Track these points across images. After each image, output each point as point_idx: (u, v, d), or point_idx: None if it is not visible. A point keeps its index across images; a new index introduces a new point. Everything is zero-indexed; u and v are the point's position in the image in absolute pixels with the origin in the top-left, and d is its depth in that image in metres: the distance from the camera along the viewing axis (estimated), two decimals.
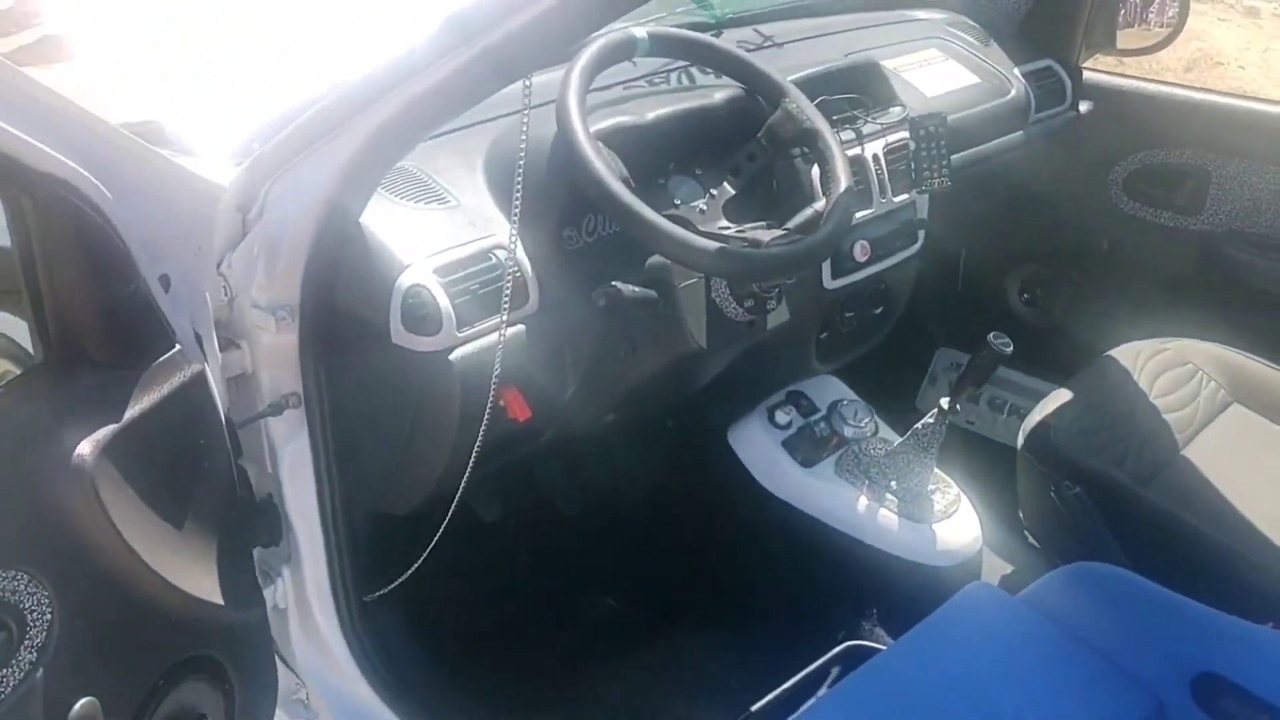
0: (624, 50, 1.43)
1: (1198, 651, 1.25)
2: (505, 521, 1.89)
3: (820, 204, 1.48)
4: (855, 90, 1.75)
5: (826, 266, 1.69)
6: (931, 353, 2.56)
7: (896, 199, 1.76)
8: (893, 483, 1.74)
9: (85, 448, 1.05)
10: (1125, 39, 2.29)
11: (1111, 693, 1.19)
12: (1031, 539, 1.86)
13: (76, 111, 1.08)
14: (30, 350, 1.19)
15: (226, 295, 1.33)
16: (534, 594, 1.90)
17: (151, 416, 1.14)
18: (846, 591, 1.78)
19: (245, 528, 1.43)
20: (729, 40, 1.82)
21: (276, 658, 1.58)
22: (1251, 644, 1.29)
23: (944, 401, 1.66)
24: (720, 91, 1.55)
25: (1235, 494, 1.65)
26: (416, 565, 1.47)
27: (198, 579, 1.22)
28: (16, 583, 1.00)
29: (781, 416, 1.84)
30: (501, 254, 1.32)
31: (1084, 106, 2.20)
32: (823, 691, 1.57)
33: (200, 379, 1.21)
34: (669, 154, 1.51)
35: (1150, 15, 2.73)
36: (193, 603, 1.20)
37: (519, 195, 1.18)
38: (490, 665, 1.76)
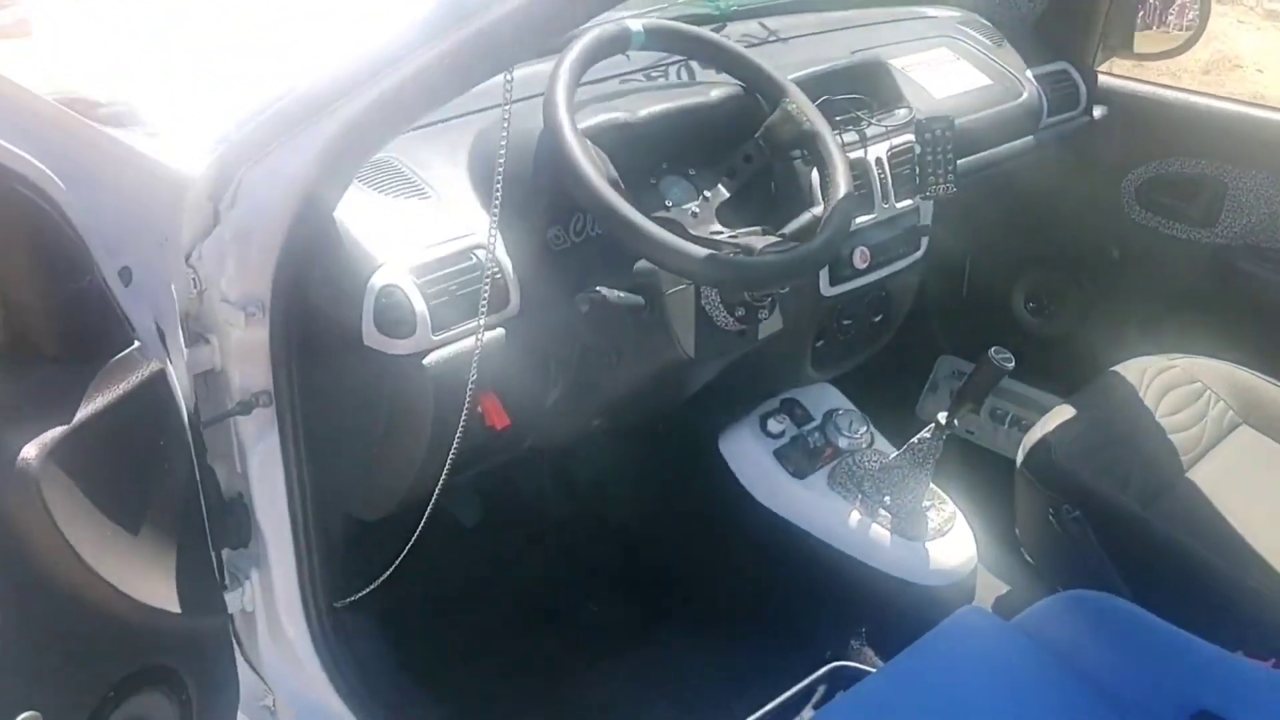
0: (618, 43, 1.37)
1: (1196, 688, 1.20)
2: (487, 525, 1.84)
3: (819, 209, 1.42)
4: (860, 90, 1.69)
5: (824, 273, 1.63)
6: (933, 360, 2.50)
7: (899, 204, 1.70)
8: (886, 498, 1.69)
9: (31, 450, 1.00)
10: (1143, 42, 2.22)
11: None
12: (1029, 558, 1.80)
13: (24, 96, 1.03)
14: None
15: (196, 288, 1.27)
16: (515, 600, 1.85)
17: (105, 416, 1.08)
18: (835, 607, 1.73)
19: (212, 529, 1.38)
20: (733, 34, 1.76)
21: (244, 663, 1.53)
22: (1252, 683, 1.25)
23: (941, 416, 1.61)
24: (718, 89, 1.48)
25: (1241, 521, 1.59)
26: (388, 573, 1.42)
27: (154, 586, 1.17)
28: None
29: (774, 425, 1.79)
30: (482, 254, 1.26)
31: (1098, 112, 2.13)
32: (808, 714, 1.52)
33: (160, 377, 1.16)
34: (662, 153, 1.44)
35: (1170, 18, 2.67)
36: (147, 611, 1.15)
37: (499, 193, 1.12)
38: (467, 674, 1.71)
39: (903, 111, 1.73)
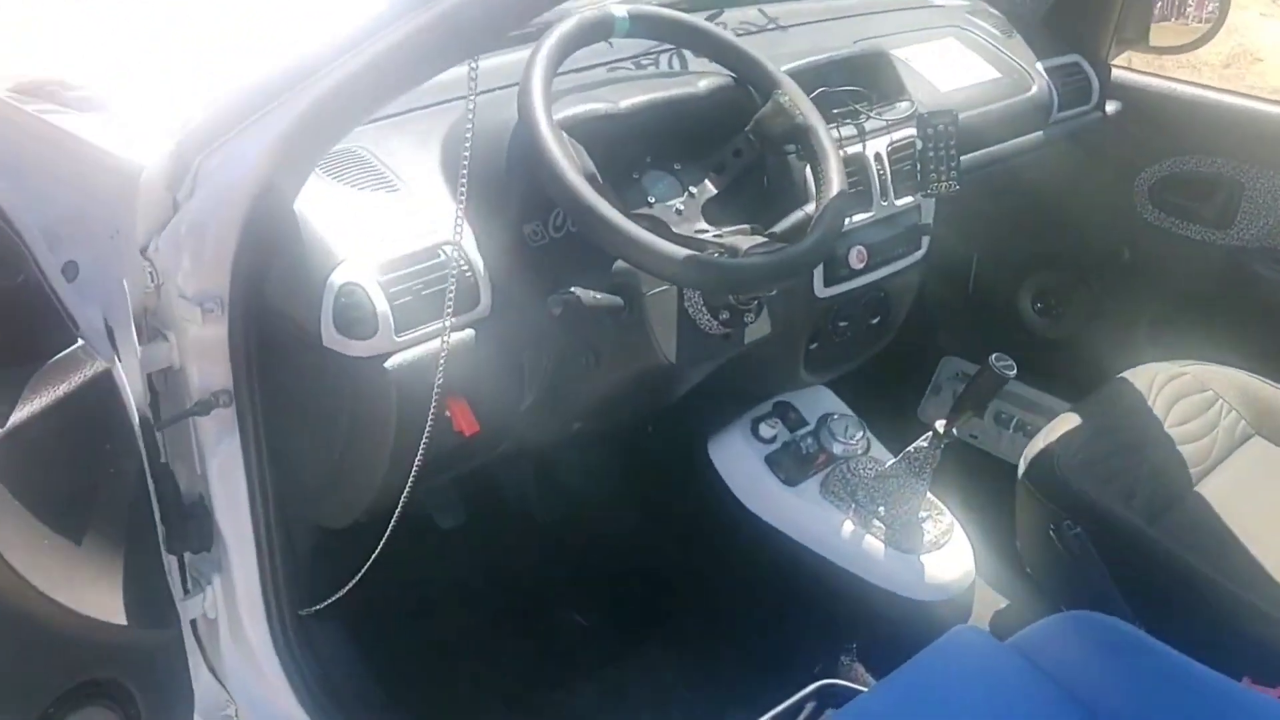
0: (600, 29, 1.30)
1: (1198, 718, 1.13)
2: (466, 530, 1.78)
3: (811, 207, 1.35)
4: (860, 82, 1.61)
5: (819, 273, 1.56)
6: (937, 361, 2.42)
7: (899, 202, 1.63)
8: (881, 508, 1.62)
9: None
10: (1160, 35, 2.14)
11: None
12: (1031, 573, 1.73)
13: None
14: None
15: (154, 282, 1.21)
16: (495, 606, 1.79)
17: (44, 419, 1.03)
18: (826, 621, 1.66)
19: (171, 533, 1.33)
20: (731, 21, 1.69)
21: (206, 671, 1.48)
22: (1256, 714, 1.18)
23: (939, 425, 1.53)
24: (707, 79, 1.41)
25: (1251, 539, 1.51)
26: (354, 582, 1.35)
27: (97, 597, 1.11)
28: None
29: (766, 430, 1.72)
30: (451, 250, 1.20)
31: (1111, 107, 2.05)
32: None
33: (105, 377, 1.10)
34: (645, 147, 1.37)
35: (1189, 9, 2.57)
36: (88, 623, 1.09)
37: (464, 187, 1.05)
38: (441, 685, 1.65)
39: (904, 105, 1.65)
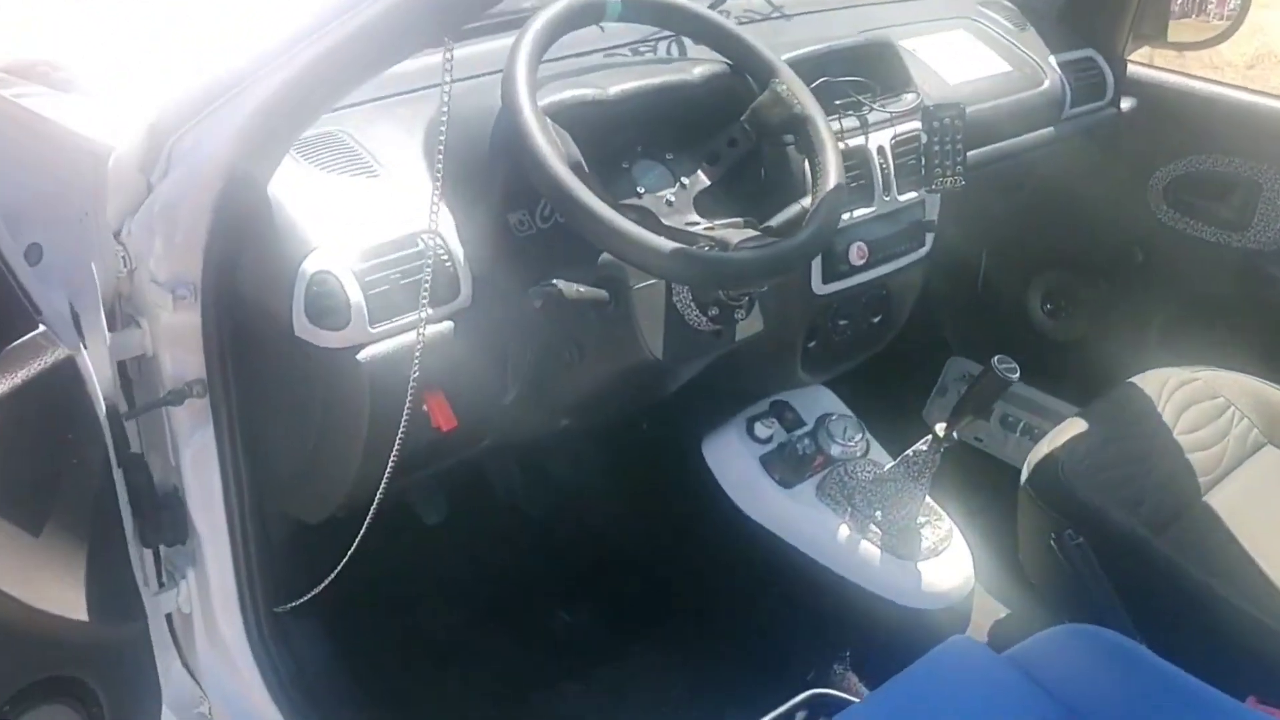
0: (590, 13, 1.25)
1: None
2: (451, 524, 1.74)
3: (809, 201, 1.30)
4: (864, 73, 1.56)
5: (817, 270, 1.51)
6: (943, 361, 2.37)
7: (902, 197, 1.58)
8: (878, 512, 1.57)
9: None
10: (1178, 31, 2.08)
11: None
12: (1033, 582, 1.68)
13: None
14: None
15: (126, 266, 1.18)
16: (479, 605, 1.75)
17: (1, 408, 0.98)
18: (819, 628, 1.62)
19: (144, 525, 1.29)
20: (734, 8, 1.64)
21: (181, 666, 1.44)
22: None
23: (939, 428, 1.49)
24: (701, 66, 1.36)
25: (1260, 552, 1.46)
26: (329, 579, 1.31)
27: (59, 593, 1.08)
28: None
29: (762, 429, 1.67)
30: (428, 238, 1.15)
31: (1126, 104, 1.99)
32: None
33: (68, 364, 1.06)
34: (636, 135, 1.33)
35: (1210, 6, 2.51)
36: (49, 620, 1.06)
37: (440, 172, 1.01)
38: (423, 684, 1.61)
39: (910, 97, 1.60)
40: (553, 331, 1.25)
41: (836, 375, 1.76)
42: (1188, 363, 1.77)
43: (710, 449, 1.69)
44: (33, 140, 1.06)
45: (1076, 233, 2.14)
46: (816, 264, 1.50)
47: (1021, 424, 2.25)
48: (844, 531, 1.57)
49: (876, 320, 1.69)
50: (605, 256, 1.23)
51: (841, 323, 1.63)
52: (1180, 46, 2.08)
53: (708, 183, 1.34)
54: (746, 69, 1.35)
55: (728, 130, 1.33)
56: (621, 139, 1.31)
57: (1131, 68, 2.02)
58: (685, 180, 1.33)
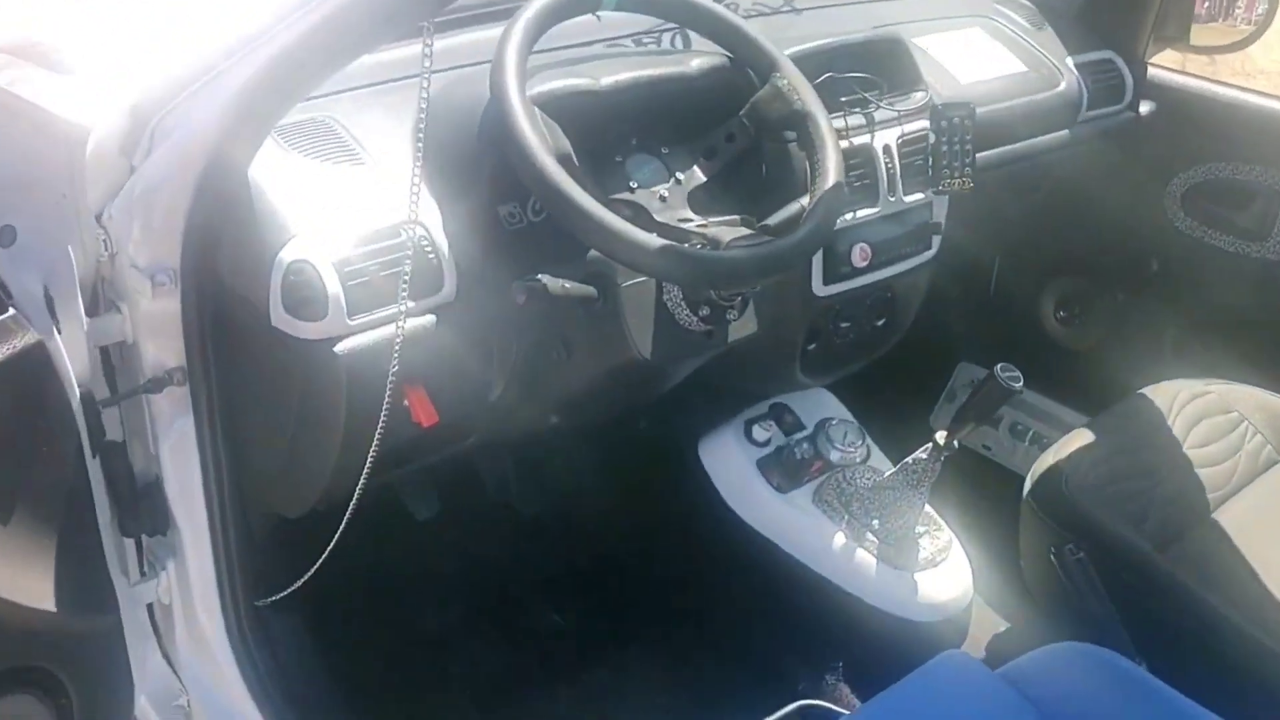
0: (585, 2, 1.22)
1: None
2: (442, 521, 1.71)
3: (809, 200, 1.26)
4: (872, 69, 1.51)
5: (817, 271, 1.47)
6: (953, 367, 2.32)
7: (908, 198, 1.53)
8: (875, 521, 1.53)
9: None
10: (1202, 34, 2.02)
11: None
12: (1033, 596, 1.64)
13: None
14: None
15: (108, 250, 1.15)
16: (467, 604, 1.72)
17: None
18: (813, 636, 1.59)
19: (124, 514, 1.27)
20: (745, 0, 1.60)
21: (161, 659, 1.42)
22: None
23: (940, 436, 1.45)
24: (699, 59, 1.32)
25: (1269, 573, 1.41)
26: (309, 574, 1.29)
27: (26, 582, 1.06)
28: None
29: (759, 432, 1.64)
30: (418, 231, 1.12)
31: (1145, 107, 1.94)
32: None
33: (38, 349, 1.03)
34: (631, 128, 1.29)
35: (1237, 10, 2.45)
36: (13, 610, 1.04)
37: (420, 163, 0.98)
38: (408, 684, 1.58)
39: (919, 95, 1.56)
40: (540, 328, 1.22)
41: (839, 379, 1.72)
42: (1203, 375, 1.72)
43: (706, 450, 1.66)
44: (6, 120, 1.03)
45: (1091, 239, 2.09)
46: (817, 265, 1.46)
47: (1031, 433, 2.20)
48: (839, 539, 1.53)
49: (880, 323, 1.65)
50: (595, 252, 1.20)
51: (843, 325, 1.59)
52: (1203, 50, 2.03)
53: (704, 179, 1.30)
54: (747, 62, 1.32)
55: (726, 125, 1.29)
56: (615, 132, 1.27)
57: (1152, 71, 1.97)
58: (680, 175, 1.29)
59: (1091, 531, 1.45)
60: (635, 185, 1.27)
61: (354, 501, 1.18)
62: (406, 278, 1.04)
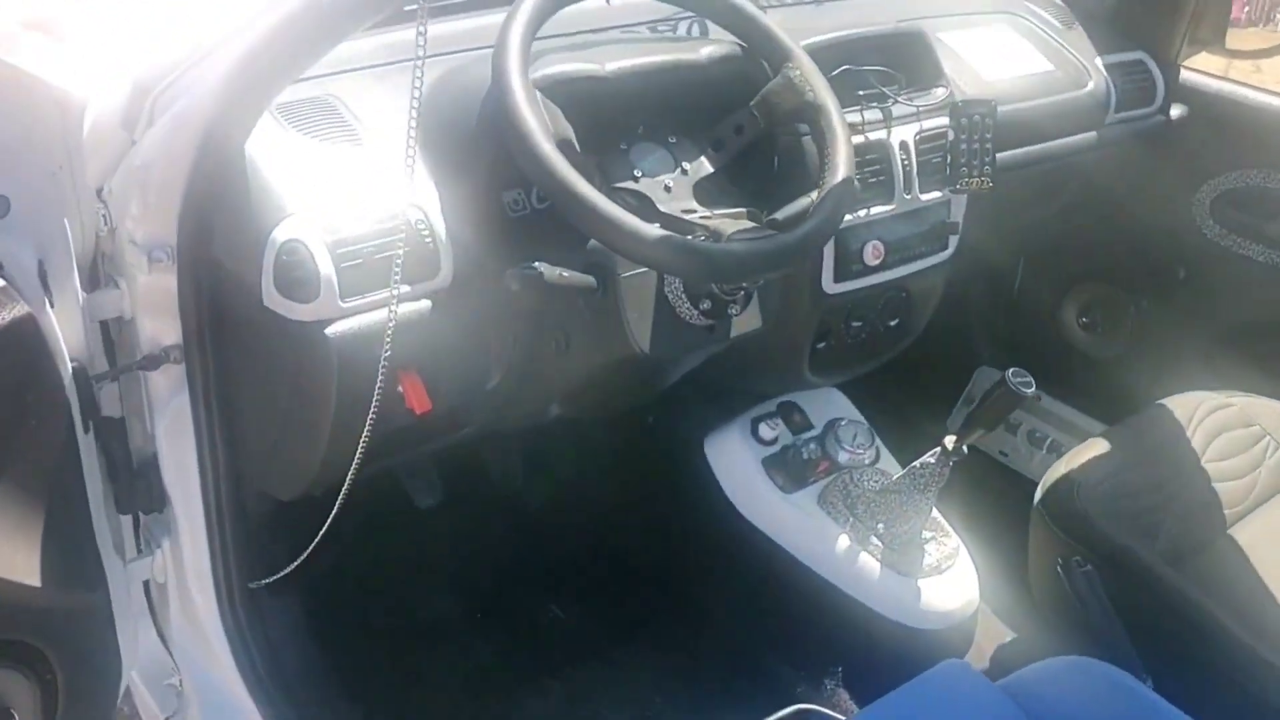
0: None
1: None
2: (444, 510, 1.69)
3: (817, 194, 1.23)
4: (892, 63, 1.48)
5: (828, 267, 1.44)
6: (971, 370, 2.28)
7: (925, 196, 1.50)
8: (880, 525, 1.51)
9: None
10: (1238, 38, 1.97)
11: None
12: (1040, 607, 1.60)
13: None
14: None
15: (107, 225, 1.14)
16: (467, 594, 1.70)
17: None
18: (813, 640, 1.56)
19: (119, 491, 1.26)
20: None
21: (156, 638, 1.42)
22: None
23: (949, 440, 1.42)
24: (709, 47, 1.29)
25: None
26: (303, 557, 1.28)
27: (10, 556, 1.04)
28: None
29: (766, 430, 1.61)
30: (413, 214, 1.11)
31: (1176, 111, 1.88)
32: None
33: (28, 322, 1.02)
34: (638, 116, 1.26)
35: (1278, 15, 2.39)
36: None
37: (413, 145, 0.96)
38: (399, 672, 1.57)
39: (940, 91, 1.52)
40: (537, 318, 1.20)
41: (849, 379, 1.69)
42: (1227, 387, 1.68)
43: (712, 447, 1.64)
44: (1, 90, 1.03)
45: (1117, 244, 2.04)
46: (828, 262, 1.43)
47: (1049, 440, 2.15)
48: (843, 542, 1.51)
49: (893, 324, 1.62)
50: (593, 243, 1.18)
51: (855, 324, 1.56)
52: (1239, 54, 1.97)
53: (711, 170, 1.28)
54: (760, 52, 1.29)
55: (736, 116, 1.27)
56: (621, 119, 1.25)
57: (1185, 74, 1.92)
58: (687, 166, 1.27)
59: (1101, 544, 1.41)
60: (640, 174, 1.24)
61: (346, 487, 1.16)
62: (399, 261, 1.02)
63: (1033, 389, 1.32)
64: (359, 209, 1.09)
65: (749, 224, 1.16)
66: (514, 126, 1.04)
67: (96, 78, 1.08)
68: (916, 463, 1.46)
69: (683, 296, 1.21)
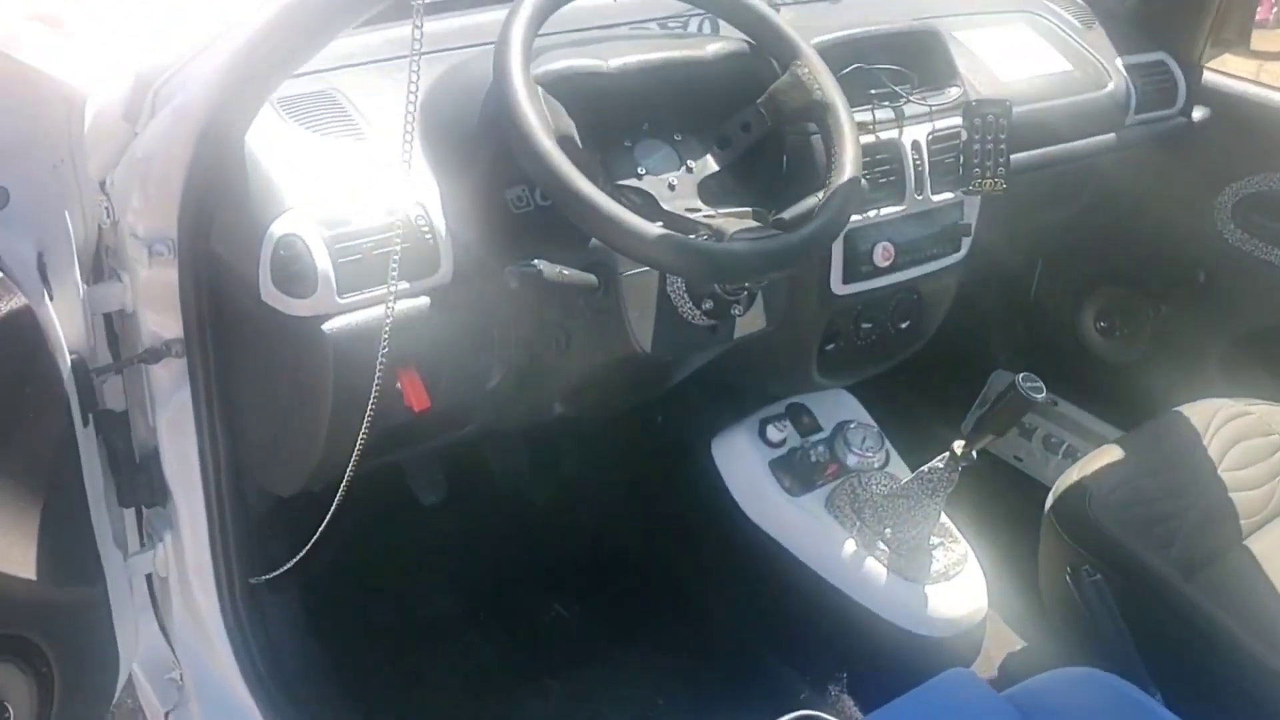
0: None
1: None
2: (448, 507, 1.68)
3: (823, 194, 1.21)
4: (905, 62, 1.46)
5: (837, 268, 1.42)
6: (987, 374, 2.25)
7: (936, 197, 1.48)
8: (888, 530, 1.49)
9: None
10: (1264, 39, 1.94)
11: None
12: (1049, 617, 1.58)
13: None
14: None
15: (110, 217, 1.14)
16: (469, 592, 1.69)
17: None
18: (816, 645, 1.54)
19: (120, 484, 1.26)
20: None
21: (158, 631, 1.42)
22: None
23: (957, 445, 1.39)
24: (716, 44, 1.28)
25: None
26: (303, 553, 1.27)
27: (8, 551, 1.04)
28: None
29: (774, 432, 1.59)
30: (413, 210, 1.10)
31: (1198, 113, 1.85)
32: None
33: (25, 314, 1.02)
34: (644, 113, 1.25)
35: None
36: None
37: (409, 140, 0.95)
38: (399, 670, 1.56)
39: (953, 90, 1.50)
40: (538, 316, 1.19)
41: (859, 381, 1.67)
42: (1246, 395, 1.65)
43: (719, 448, 1.62)
44: (2, 82, 1.02)
45: (1136, 248, 2.01)
46: (837, 262, 1.41)
47: (1065, 445, 2.13)
48: (850, 547, 1.49)
49: (904, 326, 1.59)
50: (595, 241, 1.16)
51: (865, 326, 1.54)
52: (1264, 56, 1.94)
53: (716, 168, 1.26)
54: (768, 49, 1.27)
55: (742, 114, 1.25)
56: (626, 116, 1.23)
57: (1208, 75, 1.88)
58: (692, 164, 1.25)
59: (1112, 553, 1.39)
60: (644, 171, 1.23)
61: (344, 483, 1.16)
62: (397, 257, 1.01)
63: (1043, 395, 1.30)
64: (358, 204, 1.08)
65: (753, 223, 1.14)
66: (514, 123, 1.03)
67: (100, 71, 1.08)
68: (925, 467, 1.44)
69: (685, 296, 1.20)
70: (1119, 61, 1.77)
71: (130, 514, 1.36)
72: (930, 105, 1.46)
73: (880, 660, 1.47)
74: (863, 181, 1.23)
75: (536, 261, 1.07)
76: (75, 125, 1.06)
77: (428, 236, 1.10)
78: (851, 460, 1.59)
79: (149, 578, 1.40)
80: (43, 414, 1.06)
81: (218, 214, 1.08)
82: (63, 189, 1.09)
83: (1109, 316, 2.12)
